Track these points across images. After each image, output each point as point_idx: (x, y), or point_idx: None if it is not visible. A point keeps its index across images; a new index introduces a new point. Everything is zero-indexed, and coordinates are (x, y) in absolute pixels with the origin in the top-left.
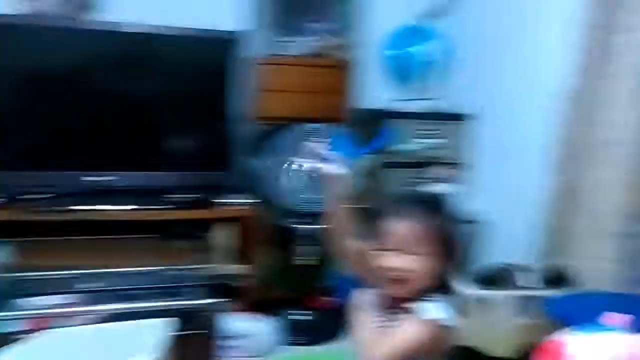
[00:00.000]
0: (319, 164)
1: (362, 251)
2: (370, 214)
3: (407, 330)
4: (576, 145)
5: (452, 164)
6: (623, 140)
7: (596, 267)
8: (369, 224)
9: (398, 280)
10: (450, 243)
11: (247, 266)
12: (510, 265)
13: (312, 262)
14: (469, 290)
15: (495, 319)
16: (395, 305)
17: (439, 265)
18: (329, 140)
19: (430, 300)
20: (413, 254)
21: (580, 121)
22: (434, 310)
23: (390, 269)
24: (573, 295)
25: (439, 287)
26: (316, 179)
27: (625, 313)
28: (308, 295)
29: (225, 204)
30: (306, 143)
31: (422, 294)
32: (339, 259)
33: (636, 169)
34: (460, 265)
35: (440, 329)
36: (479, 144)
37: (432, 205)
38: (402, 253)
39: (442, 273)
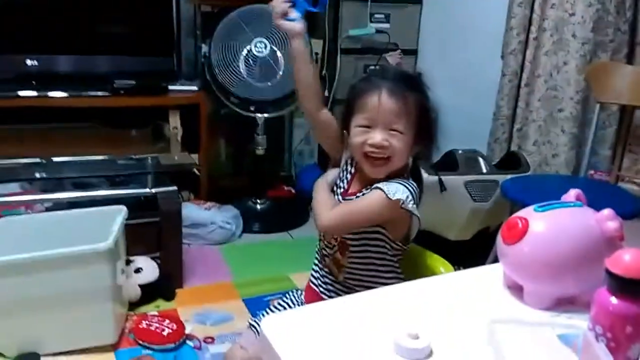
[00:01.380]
0: (280, 21)
1: (333, 124)
2: (349, 90)
3: (365, 200)
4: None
5: (401, 50)
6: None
7: (548, 152)
8: (344, 103)
9: (379, 159)
10: (430, 121)
11: (199, 155)
12: (464, 151)
13: (269, 152)
14: (425, 175)
15: (452, 204)
16: (361, 190)
17: (416, 145)
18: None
19: (398, 182)
20: (396, 130)
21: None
22: (399, 191)
23: (373, 145)
24: (529, 177)
25: (409, 172)
26: (268, 64)
27: None
28: (266, 184)
29: (174, 90)
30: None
31: (393, 178)
32: (312, 128)
33: (588, 52)
34: (434, 148)
35: (401, 211)
36: (427, 30)
37: (413, 81)
38: (385, 129)
39: (416, 156)
